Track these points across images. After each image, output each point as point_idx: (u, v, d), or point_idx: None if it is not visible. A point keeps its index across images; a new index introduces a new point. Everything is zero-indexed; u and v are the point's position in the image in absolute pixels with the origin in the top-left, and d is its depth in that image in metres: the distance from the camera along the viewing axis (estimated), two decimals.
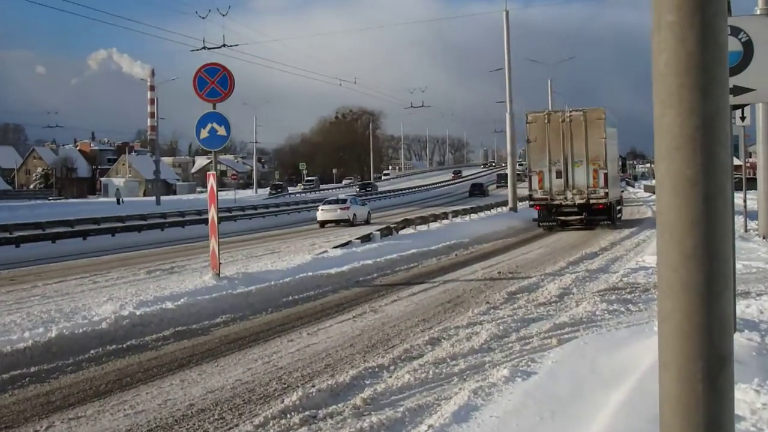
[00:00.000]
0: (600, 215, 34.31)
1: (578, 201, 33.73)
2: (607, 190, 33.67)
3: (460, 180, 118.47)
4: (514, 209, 45.95)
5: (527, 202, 47.46)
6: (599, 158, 33.30)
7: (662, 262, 2.22)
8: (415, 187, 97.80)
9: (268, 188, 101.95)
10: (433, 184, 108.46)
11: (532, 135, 34.11)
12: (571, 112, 34.04)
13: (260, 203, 67.07)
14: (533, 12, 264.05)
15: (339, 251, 22.67)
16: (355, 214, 43.21)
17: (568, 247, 26.68)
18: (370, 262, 20.94)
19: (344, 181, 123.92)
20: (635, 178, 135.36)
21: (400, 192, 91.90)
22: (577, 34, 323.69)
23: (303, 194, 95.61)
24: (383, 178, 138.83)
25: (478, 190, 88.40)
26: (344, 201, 45.11)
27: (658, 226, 2.27)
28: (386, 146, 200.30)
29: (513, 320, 11.99)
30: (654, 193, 75.80)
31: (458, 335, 11.14)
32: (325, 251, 22.80)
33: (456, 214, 38.35)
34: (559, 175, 33.71)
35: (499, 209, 47.07)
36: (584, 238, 29.83)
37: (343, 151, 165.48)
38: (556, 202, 34.02)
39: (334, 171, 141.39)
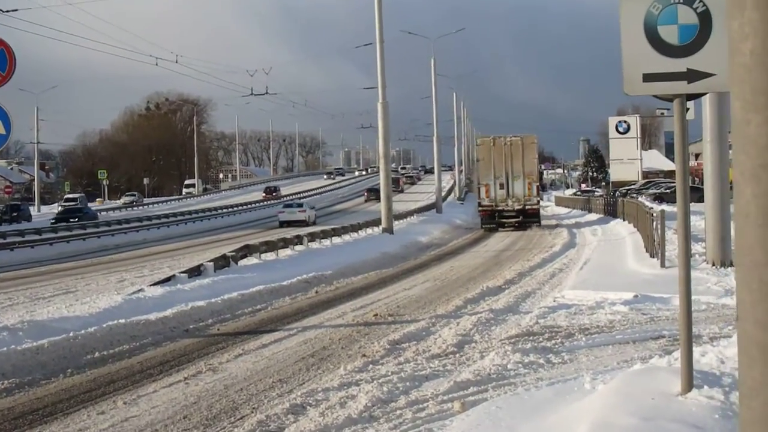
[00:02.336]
0: (532, 218, 55.59)
1: (516, 207, 54.94)
2: (539, 198, 57.84)
3: (275, 201, 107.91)
4: (389, 230, 46.16)
5: (408, 219, 60.62)
6: (532, 173, 55.71)
7: (747, 316, 2.12)
8: (224, 208, 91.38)
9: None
10: (235, 206, 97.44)
11: (480, 155, 56.65)
12: (511, 137, 55.90)
13: (46, 226, 65.15)
14: None
15: (159, 289, 22.25)
16: (309, 216, 68.16)
17: (462, 279, 27.04)
18: (202, 303, 20.65)
19: (124, 198, 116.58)
20: (543, 188, 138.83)
21: (181, 219, 78.32)
22: (467, 4, 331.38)
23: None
24: (185, 191, 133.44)
25: (375, 195, 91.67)
26: (300, 205, 72.21)
27: (738, 268, 2.22)
28: (216, 147, 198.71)
29: (400, 379, 12.01)
30: (565, 206, 78.10)
31: (329, 400, 11.08)
32: (141, 289, 22.35)
33: (313, 237, 38.28)
34: (502, 186, 54.86)
35: (370, 230, 47.28)
36: (484, 267, 30.37)
37: (158, 154, 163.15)
38: (500, 208, 54.99)
39: (146, 181, 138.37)
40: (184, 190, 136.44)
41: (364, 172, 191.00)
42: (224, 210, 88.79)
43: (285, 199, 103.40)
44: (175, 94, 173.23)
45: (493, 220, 55.34)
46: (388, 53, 48.14)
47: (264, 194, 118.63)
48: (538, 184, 57.29)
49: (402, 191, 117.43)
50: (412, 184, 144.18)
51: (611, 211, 56.75)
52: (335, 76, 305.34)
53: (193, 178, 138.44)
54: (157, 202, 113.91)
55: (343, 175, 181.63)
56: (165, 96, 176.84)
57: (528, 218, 55.29)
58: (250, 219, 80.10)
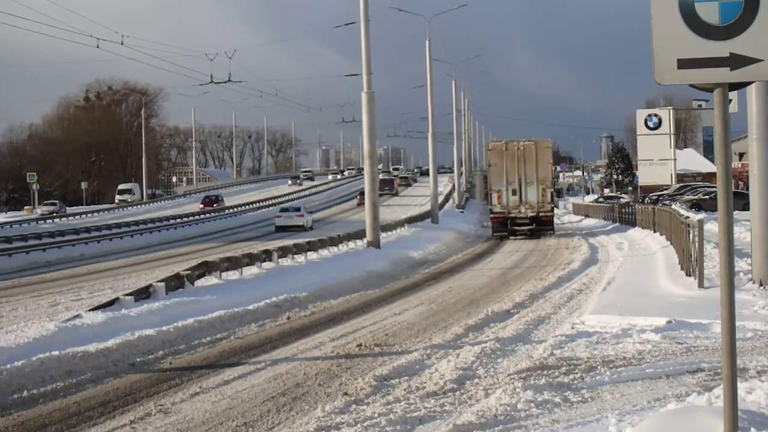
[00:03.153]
0: (546, 226, 62.85)
1: (530, 214, 61.96)
2: (552, 205, 64.69)
3: (219, 215, 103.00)
4: (375, 244, 46.06)
5: (398, 230, 62.64)
6: (546, 179, 62.65)
7: None
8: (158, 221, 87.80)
9: None
10: (191, 216, 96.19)
11: (492, 160, 63.61)
12: (524, 142, 63.03)
13: None
14: None
15: (100, 315, 22.06)
16: (307, 221, 76.63)
17: (463, 302, 27.02)
18: (151, 332, 20.55)
19: (41, 208, 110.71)
20: (559, 194, 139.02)
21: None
22: None
23: None
24: (118, 199, 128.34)
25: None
26: (298, 209, 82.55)
27: None
28: (168, 145, 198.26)
29: (388, 421, 12.01)
30: (585, 215, 78.66)
31: None
32: (78, 315, 22.17)
33: (284, 253, 38.24)
34: (514, 192, 61.71)
35: (353, 244, 47.23)
36: (488, 288, 30.36)
37: (99, 154, 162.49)
38: (512, 215, 62.13)
39: (84, 185, 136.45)
40: (117, 197, 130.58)
41: (339, 176, 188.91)
42: (179, 220, 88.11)
43: (228, 212, 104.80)
44: (120, 82, 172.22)
45: (505, 227, 62.90)
46: (375, 35, 48.51)
47: (202, 205, 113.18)
48: (552, 190, 64.99)
49: (396, 194, 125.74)
50: (407, 185, 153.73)
51: (628, 220, 58.46)
52: (312, 61, 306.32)
53: (140, 181, 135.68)
54: (86, 212, 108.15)
55: (312, 179, 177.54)
56: (108, 84, 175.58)
57: (541, 226, 62.73)
58: (209, 230, 79.70)
